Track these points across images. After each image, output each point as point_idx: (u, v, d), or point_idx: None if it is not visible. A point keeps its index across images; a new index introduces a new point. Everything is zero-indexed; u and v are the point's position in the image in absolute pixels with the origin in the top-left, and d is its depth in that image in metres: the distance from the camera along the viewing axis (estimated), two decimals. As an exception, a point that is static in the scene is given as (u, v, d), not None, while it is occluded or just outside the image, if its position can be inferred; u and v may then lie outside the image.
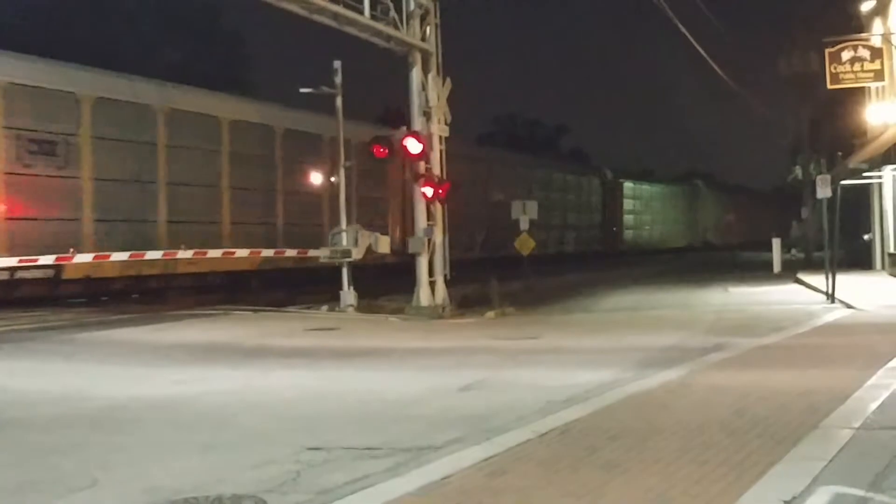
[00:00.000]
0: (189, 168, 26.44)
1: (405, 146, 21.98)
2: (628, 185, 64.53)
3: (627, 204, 63.89)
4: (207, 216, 27.11)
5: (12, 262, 21.19)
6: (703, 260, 50.84)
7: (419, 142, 21.94)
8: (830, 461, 6.38)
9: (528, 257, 30.21)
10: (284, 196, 30.20)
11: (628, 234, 64.34)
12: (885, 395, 8.81)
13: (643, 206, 67.69)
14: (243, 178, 28.36)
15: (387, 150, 22.35)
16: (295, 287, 26.91)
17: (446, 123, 23.29)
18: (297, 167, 30.89)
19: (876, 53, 27.11)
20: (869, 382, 9.51)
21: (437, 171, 22.85)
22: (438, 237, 22.85)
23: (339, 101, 22.99)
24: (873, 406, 8.30)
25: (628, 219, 64.20)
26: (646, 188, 69.18)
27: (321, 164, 30.79)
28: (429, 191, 22.38)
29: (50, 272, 22.34)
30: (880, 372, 10.18)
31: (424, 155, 22.25)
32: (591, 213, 57.67)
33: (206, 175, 27.15)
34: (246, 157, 28.57)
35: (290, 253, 28.29)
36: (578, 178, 56.90)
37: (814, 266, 32.33)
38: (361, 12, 20.82)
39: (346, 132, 23.60)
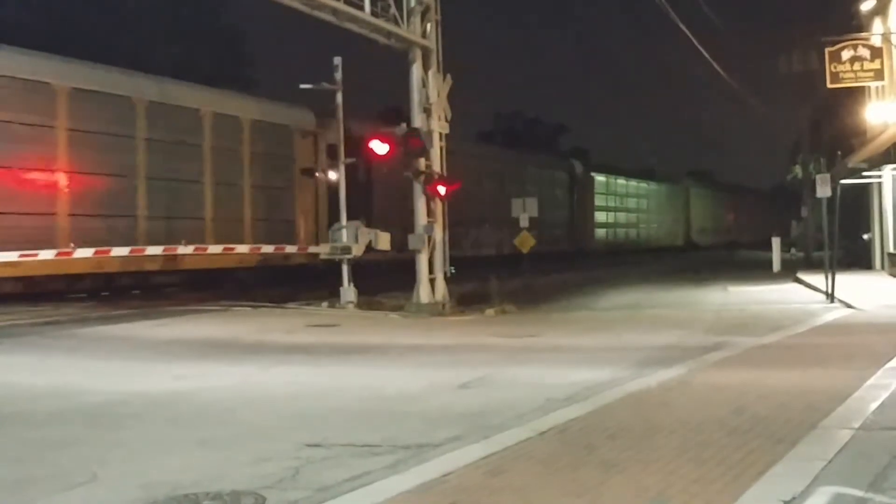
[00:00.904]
0: (95, 155, 23.61)
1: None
2: (600, 180, 60.18)
3: (599, 200, 59.48)
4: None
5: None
6: (682, 264, 46.09)
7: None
8: (830, 461, 6.38)
9: (527, 255, 30.18)
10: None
11: (600, 232, 60.01)
12: (884, 395, 8.81)
13: (618, 203, 63.50)
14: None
15: (391, 146, 22.21)
16: (299, 283, 26.86)
17: (446, 120, 23.29)
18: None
19: (876, 53, 27.08)
20: (868, 382, 9.51)
21: (437, 168, 22.84)
22: (439, 235, 22.84)
23: (339, 98, 22.98)
24: (873, 406, 8.30)
25: (600, 216, 59.71)
26: (621, 183, 64.65)
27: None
28: (441, 190, 22.42)
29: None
30: (880, 372, 10.18)
31: (424, 151, 22.25)
32: (556, 210, 51.10)
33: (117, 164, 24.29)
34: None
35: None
36: (541, 170, 51.17)
37: (813, 265, 32.35)
38: (362, 8, 20.79)
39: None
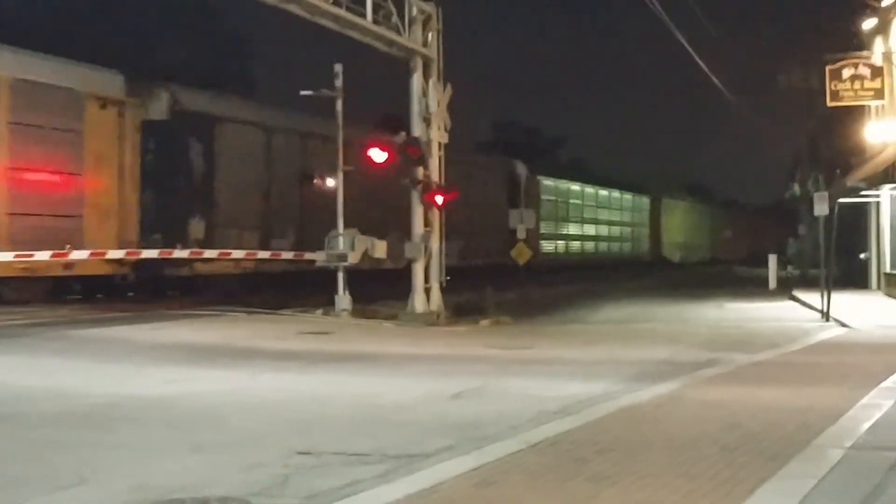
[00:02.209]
0: None
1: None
2: (547, 185, 51.60)
3: (547, 207, 50.72)
4: None
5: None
6: (643, 283, 42.50)
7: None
8: (821, 480, 6.36)
9: (524, 266, 30.08)
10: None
11: (547, 245, 50.66)
12: (877, 414, 8.79)
13: (573, 213, 55.77)
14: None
15: (390, 154, 22.23)
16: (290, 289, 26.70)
17: (446, 130, 23.31)
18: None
19: (876, 72, 27.15)
20: (862, 402, 9.49)
21: (435, 177, 22.85)
22: (435, 244, 22.85)
23: (339, 105, 22.96)
24: (866, 426, 8.28)
25: (547, 226, 50.66)
26: (575, 189, 56.51)
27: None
28: (439, 199, 22.43)
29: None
30: (873, 391, 10.16)
31: (423, 161, 22.26)
32: (489, 218, 41.68)
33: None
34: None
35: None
36: (470, 169, 40.17)
37: (809, 283, 32.33)
38: (364, 16, 20.83)
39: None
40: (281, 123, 29.24)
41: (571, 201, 56.16)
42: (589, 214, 58.97)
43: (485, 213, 41.52)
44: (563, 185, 55.23)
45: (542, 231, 48.40)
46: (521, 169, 48.14)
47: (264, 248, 26.10)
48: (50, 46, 24.41)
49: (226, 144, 26.55)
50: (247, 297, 24.06)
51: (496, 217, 40.99)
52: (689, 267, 67.90)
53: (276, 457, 7.13)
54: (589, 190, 59.54)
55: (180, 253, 24.45)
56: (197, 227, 25.34)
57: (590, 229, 59.07)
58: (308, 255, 24.42)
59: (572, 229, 56.23)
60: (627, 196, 66.81)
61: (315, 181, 28.92)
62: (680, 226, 77.75)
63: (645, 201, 70.12)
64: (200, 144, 25.88)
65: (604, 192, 61.98)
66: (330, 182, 24.00)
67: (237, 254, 24.40)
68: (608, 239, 62.56)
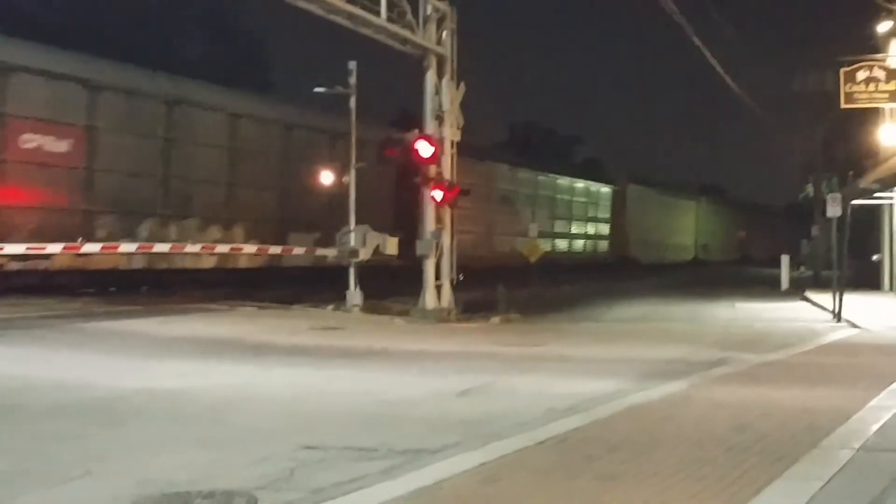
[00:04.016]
0: None
1: (416, 150, 21.95)
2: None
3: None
4: None
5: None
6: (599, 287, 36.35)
7: (432, 144, 21.94)
8: (828, 481, 6.33)
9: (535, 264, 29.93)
10: None
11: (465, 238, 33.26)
12: (886, 416, 8.75)
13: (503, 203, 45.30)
14: None
15: (397, 153, 22.32)
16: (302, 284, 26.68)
17: (459, 128, 23.29)
18: None
19: (891, 74, 27.04)
20: (871, 403, 9.45)
21: (447, 175, 22.84)
22: (446, 241, 22.84)
23: (352, 102, 22.96)
24: (875, 427, 8.24)
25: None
26: (502, 169, 45.84)
27: None
28: (438, 194, 22.40)
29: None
30: (883, 393, 10.11)
31: (436, 159, 22.27)
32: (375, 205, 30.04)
33: None
34: None
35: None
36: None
37: (822, 284, 32.23)
38: (378, 14, 20.85)
39: None
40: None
41: (499, 185, 45.54)
42: (528, 203, 47.45)
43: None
44: (501, 168, 46.20)
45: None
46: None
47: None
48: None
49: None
50: (258, 293, 24.15)
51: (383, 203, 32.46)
52: (665, 269, 58.02)
53: (283, 451, 7.14)
54: (524, 174, 48.37)
55: (192, 248, 24.62)
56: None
57: (528, 217, 43.76)
58: (319, 251, 24.50)
59: (498, 222, 43.75)
60: (580, 184, 56.60)
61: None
62: (653, 221, 66.47)
63: (604, 191, 60.27)
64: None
65: (543, 178, 51.47)
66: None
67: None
68: (553, 233, 51.11)
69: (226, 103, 29.48)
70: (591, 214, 58.83)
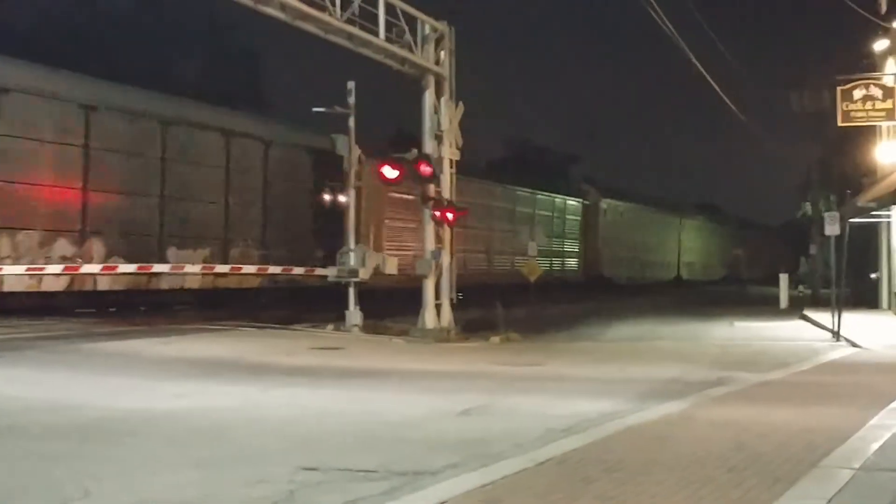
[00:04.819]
0: None
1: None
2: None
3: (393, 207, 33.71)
4: None
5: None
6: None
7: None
8: (829, 501, 6.31)
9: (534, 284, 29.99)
10: None
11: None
12: (886, 435, 8.73)
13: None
14: None
15: (399, 172, 22.33)
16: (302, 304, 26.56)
17: (457, 147, 23.35)
18: None
19: (888, 93, 27.11)
20: (871, 422, 9.44)
21: (446, 194, 22.88)
22: (446, 260, 22.86)
23: (351, 121, 23.00)
24: (874, 446, 8.23)
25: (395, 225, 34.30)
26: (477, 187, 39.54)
27: None
28: (450, 216, 22.52)
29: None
30: (882, 412, 10.11)
31: (434, 178, 22.33)
32: (295, 221, 29.77)
33: None
34: None
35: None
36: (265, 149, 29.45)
37: (820, 303, 32.24)
38: (376, 34, 20.92)
39: None
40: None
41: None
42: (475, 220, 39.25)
43: (290, 214, 29.81)
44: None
45: (387, 236, 33.54)
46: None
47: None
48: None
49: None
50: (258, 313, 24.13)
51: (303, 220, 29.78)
52: (641, 291, 53.42)
53: (282, 472, 7.12)
54: (478, 186, 40.45)
55: (192, 268, 24.60)
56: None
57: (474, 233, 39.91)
58: (319, 271, 24.47)
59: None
60: (543, 196, 51.12)
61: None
62: (631, 238, 61.68)
63: (573, 205, 55.40)
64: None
65: (501, 190, 46.25)
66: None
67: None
68: (501, 252, 44.68)
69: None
70: (557, 230, 52.54)
